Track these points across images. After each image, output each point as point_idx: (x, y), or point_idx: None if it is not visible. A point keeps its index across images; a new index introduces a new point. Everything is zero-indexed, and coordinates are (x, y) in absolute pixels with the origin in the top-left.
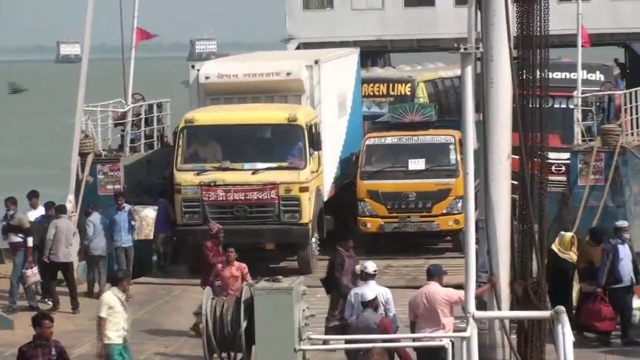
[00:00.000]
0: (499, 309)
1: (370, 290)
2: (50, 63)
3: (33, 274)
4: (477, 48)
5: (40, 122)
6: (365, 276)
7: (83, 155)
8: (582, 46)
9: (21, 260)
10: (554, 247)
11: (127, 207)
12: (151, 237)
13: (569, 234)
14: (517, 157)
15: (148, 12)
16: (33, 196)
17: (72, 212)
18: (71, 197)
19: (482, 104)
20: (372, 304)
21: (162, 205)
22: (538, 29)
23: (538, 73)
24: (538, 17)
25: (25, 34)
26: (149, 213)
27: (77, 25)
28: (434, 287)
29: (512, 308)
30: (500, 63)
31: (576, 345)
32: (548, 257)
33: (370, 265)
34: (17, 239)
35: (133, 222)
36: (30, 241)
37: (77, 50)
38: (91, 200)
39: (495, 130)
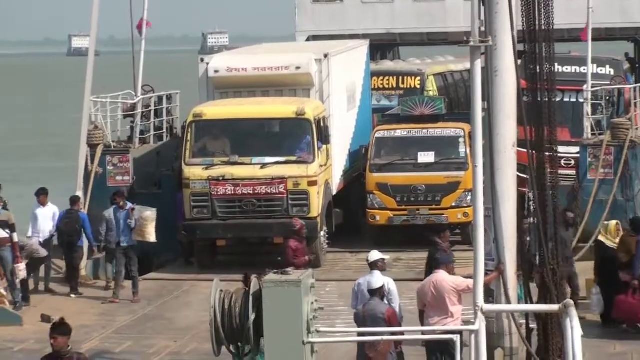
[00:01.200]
0: (507, 296)
1: (377, 278)
2: (62, 56)
3: (23, 268)
4: (486, 41)
5: (54, 114)
6: (371, 265)
7: (92, 147)
8: (581, 40)
9: (8, 255)
10: (601, 237)
11: (128, 205)
12: (150, 239)
13: (613, 222)
14: (523, 149)
15: (158, 5)
16: (41, 193)
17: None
18: (80, 193)
19: (487, 93)
20: (379, 293)
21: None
22: (544, 22)
23: (545, 66)
24: (544, 9)
25: (36, 27)
26: (148, 214)
27: (88, 18)
28: (441, 276)
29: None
30: (505, 52)
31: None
32: (595, 248)
33: (375, 255)
34: (3, 234)
35: (129, 221)
36: (15, 237)
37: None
38: (100, 191)
39: (500, 119)
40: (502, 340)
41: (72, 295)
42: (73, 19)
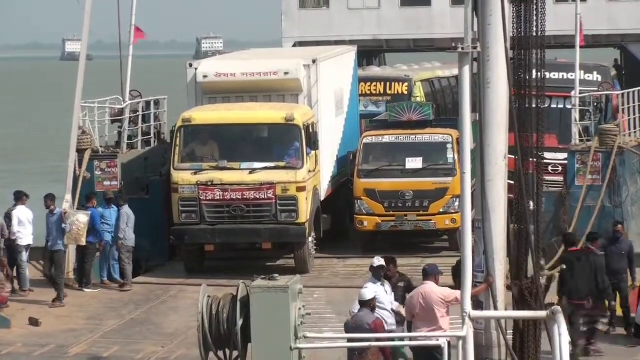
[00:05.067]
0: (496, 308)
1: (369, 290)
2: (56, 60)
3: None
4: (475, 47)
5: (45, 119)
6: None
7: (80, 152)
8: (573, 46)
9: None
10: None
11: (58, 210)
12: (82, 243)
13: None
14: (512, 156)
15: (146, 10)
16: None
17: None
18: (68, 197)
19: (478, 105)
20: (369, 304)
21: None
22: (535, 30)
23: (535, 73)
24: (535, 18)
25: (23, 31)
26: (81, 218)
27: (78, 23)
28: (430, 287)
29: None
30: (497, 63)
31: None
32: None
33: (377, 261)
34: None
35: (63, 226)
36: None
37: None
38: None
39: (491, 130)
40: (491, 353)
41: (86, 290)
42: (62, 24)
